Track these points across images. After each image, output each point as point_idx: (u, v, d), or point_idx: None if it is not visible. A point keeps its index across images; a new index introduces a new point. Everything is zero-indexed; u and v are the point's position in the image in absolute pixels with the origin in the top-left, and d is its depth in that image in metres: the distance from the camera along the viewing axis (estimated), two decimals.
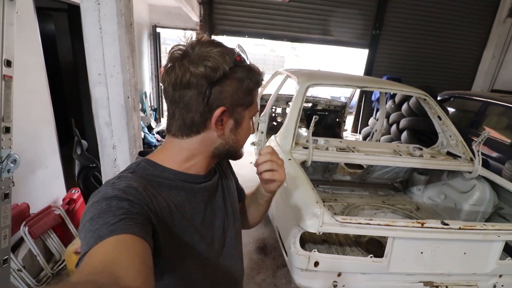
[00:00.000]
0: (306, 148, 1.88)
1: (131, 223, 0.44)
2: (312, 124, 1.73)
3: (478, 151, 1.89)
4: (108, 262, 0.37)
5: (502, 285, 1.47)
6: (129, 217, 0.44)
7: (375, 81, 2.42)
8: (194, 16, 4.63)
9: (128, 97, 1.55)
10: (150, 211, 0.50)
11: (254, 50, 21.23)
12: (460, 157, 2.08)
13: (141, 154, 0.64)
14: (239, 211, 0.79)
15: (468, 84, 6.44)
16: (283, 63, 20.87)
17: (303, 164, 1.76)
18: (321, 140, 2.07)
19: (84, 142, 2.27)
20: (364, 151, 1.94)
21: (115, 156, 1.65)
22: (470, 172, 1.96)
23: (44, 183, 2.35)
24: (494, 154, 3.43)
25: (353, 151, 1.95)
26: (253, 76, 0.59)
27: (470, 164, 1.97)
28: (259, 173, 0.68)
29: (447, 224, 1.31)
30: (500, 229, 1.33)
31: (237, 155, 0.66)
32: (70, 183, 2.63)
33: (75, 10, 2.66)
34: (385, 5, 5.51)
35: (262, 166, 0.67)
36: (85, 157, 2.18)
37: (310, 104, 4.30)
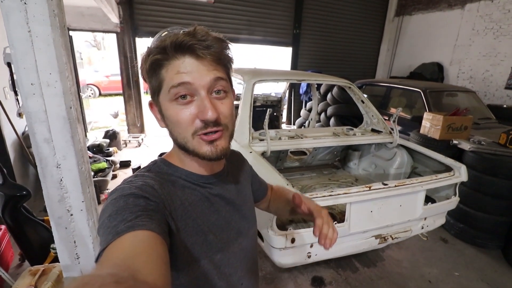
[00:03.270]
0: (262, 140, 2.01)
1: (148, 220, 0.45)
2: (266, 117, 1.86)
3: (395, 126, 2.33)
4: (126, 257, 0.38)
5: (427, 226, 1.89)
6: (145, 214, 0.46)
7: (309, 74, 2.72)
8: (114, 17, 4.26)
9: (71, 108, 1.40)
10: (165, 208, 0.52)
11: None
12: (382, 132, 2.52)
13: (160, 155, 0.66)
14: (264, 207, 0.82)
15: (373, 73, 7.65)
16: None
17: (263, 154, 1.88)
18: (273, 132, 2.22)
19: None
20: (311, 136, 2.18)
21: (61, 175, 1.46)
22: (391, 143, 2.41)
23: None
24: (399, 128, 4.23)
25: (301, 138, 2.17)
26: (149, 53, 0.53)
27: (390, 137, 2.42)
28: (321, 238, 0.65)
29: (386, 184, 1.61)
30: (422, 182, 1.71)
31: (190, 151, 0.56)
32: None
33: None
34: (301, 6, 6.09)
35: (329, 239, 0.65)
36: (10, 185, 1.84)
37: None
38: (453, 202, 1.94)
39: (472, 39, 5.45)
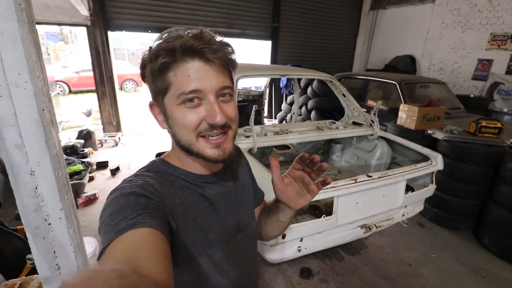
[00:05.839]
0: (248, 137, 1.99)
1: (149, 218, 0.45)
2: (252, 114, 1.84)
3: (376, 118, 2.41)
4: (129, 253, 0.39)
5: (408, 213, 1.98)
6: (146, 212, 0.46)
7: (292, 69, 2.72)
8: (83, 9, 3.99)
9: (44, 110, 1.29)
10: (166, 207, 0.53)
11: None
12: (362, 124, 2.59)
13: (157, 155, 0.66)
14: (256, 216, 0.78)
15: (350, 66, 7.83)
16: None
17: (249, 151, 1.87)
18: (257, 128, 2.21)
19: None
20: (296, 131, 2.19)
21: (36, 183, 1.36)
22: (372, 135, 2.49)
23: None
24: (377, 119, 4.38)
25: (287, 133, 2.18)
26: (157, 55, 0.52)
27: (371, 129, 2.49)
28: (285, 196, 0.63)
29: (371, 176, 1.66)
30: (403, 172, 1.78)
31: (194, 153, 0.56)
32: None
33: None
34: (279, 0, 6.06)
35: (289, 190, 0.62)
36: None
37: None
38: (430, 189, 2.05)
39: (442, 32, 5.71)
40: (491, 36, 4.97)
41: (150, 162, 0.63)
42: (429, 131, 2.94)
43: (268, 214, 0.75)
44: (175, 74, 0.52)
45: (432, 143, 2.90)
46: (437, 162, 2.00)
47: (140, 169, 0.61)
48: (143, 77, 0.58)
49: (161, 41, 0.54)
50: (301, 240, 1.56)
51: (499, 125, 2.65)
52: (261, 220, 0.80)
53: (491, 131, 2.67)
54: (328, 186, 1.52)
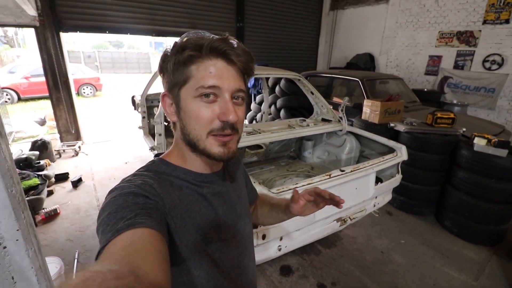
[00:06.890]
0: None
1: (147, 218, 0.46)
2: None
3: (344, 114, 2.50)
4: (126, 253, 0.39)
5: (378, 203, 2.08)
6: (144, 212, 0.47)
7: (261, 68, 2.72)
8: (30, 9, 3.62)
9: None
10: (164, 207, 0.53)
11: (111, 48, 18.58)
12: (331, 121, 2.68)
13: (156, 155, 0.66)
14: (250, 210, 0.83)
15: (314, 65, 8.08)
16: (149, 60, 19.27)
17: None
18: None
19: None
20: (268, 131, 2.20)
21: None
22: (341, 130, 2.58)
23: None
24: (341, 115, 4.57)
25: (259, 133, 2.18)
26: (184, 48, 0.55)
27: (339, 125, 2.59)
28: (300, 209, 0.72)
29: (344, 171, 1.72)
30: (372, 164, 1.87)
31: (199, 149, 0.57)
32: None
33: None
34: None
35: (304, 207, 0.72)
36: None
37: None
38: (397, 179, 2.18)
39: (396, 31, 6.12)
40: (439, 34, 5.43)
41: (150, 162, 0.63)
42: (392, 124, 3.12)
43: (271, 209, 0.83)
44: (198, 68, 0.55)
45: (394, 135, 3.09)
46: (402, 153, 2.14)
47: (139, 168, 0.61)
48: (161, 68, 0.60)
49: (187, 38, 0.58)
50: (281, 239, 1.57)
51: (452, 115, 2.90)
52: (259, 212, 0.88)
53: (445, 122, 2.91)
54: (304, 183, 1.54)
